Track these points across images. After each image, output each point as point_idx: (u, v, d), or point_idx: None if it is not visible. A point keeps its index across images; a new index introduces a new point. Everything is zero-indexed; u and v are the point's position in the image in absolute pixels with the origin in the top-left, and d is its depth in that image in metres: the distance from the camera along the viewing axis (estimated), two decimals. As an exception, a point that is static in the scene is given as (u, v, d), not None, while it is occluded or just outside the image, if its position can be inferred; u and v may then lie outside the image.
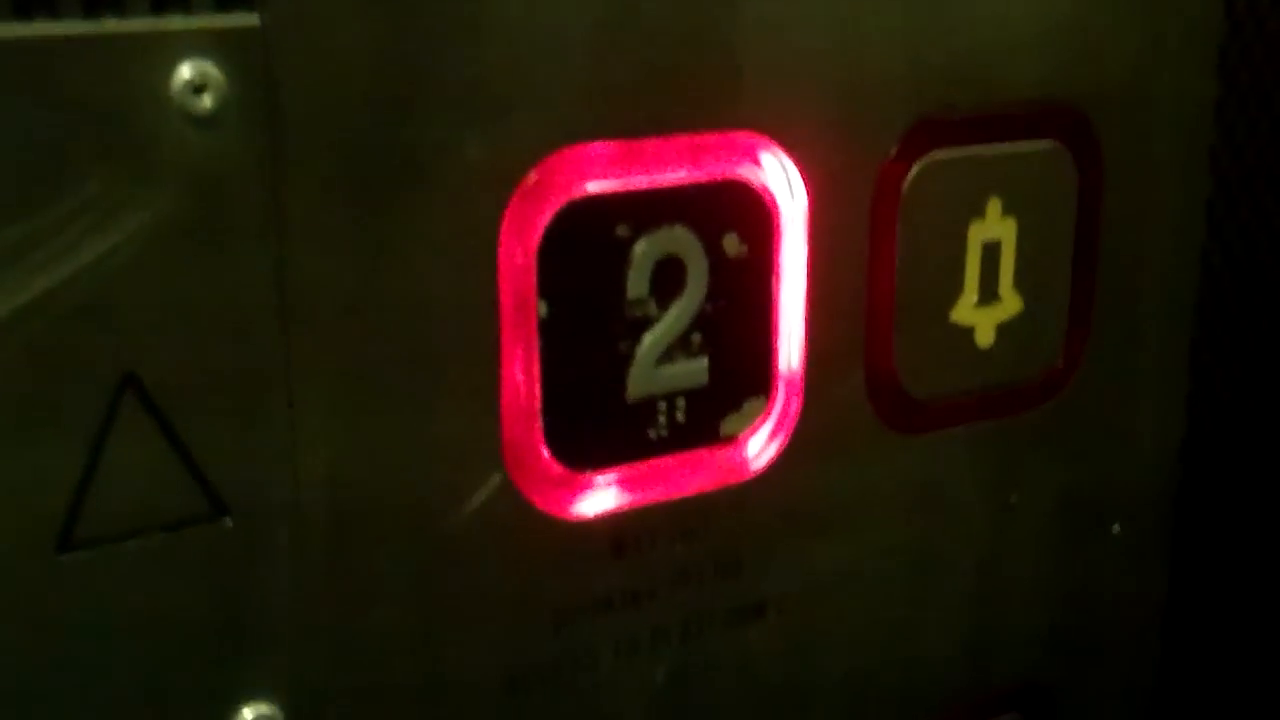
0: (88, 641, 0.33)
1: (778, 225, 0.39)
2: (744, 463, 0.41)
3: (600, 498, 0.39)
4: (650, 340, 0.38)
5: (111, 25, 0.30)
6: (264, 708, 0.35)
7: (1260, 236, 0.50)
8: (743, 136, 0.38)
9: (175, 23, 0.31)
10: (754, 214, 0.39)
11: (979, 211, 0.43)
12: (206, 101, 0.31)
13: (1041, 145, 0.44)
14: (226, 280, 0.32)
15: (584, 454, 0.38)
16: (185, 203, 0.31)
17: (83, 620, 0.32)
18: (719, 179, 0.38)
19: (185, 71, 0.31)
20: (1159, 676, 0.54)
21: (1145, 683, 0.54)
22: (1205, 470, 0.53)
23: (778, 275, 0.40)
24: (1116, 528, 0.50)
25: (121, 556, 0.33)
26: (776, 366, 0.41)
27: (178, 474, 0.33)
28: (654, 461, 0.40)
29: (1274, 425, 0.54)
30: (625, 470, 0.39)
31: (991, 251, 0.44)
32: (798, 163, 0.39)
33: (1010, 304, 0.44)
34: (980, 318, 0.44)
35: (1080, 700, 0.52)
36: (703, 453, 0.40)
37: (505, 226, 0.35)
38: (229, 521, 0.34)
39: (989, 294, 0.44)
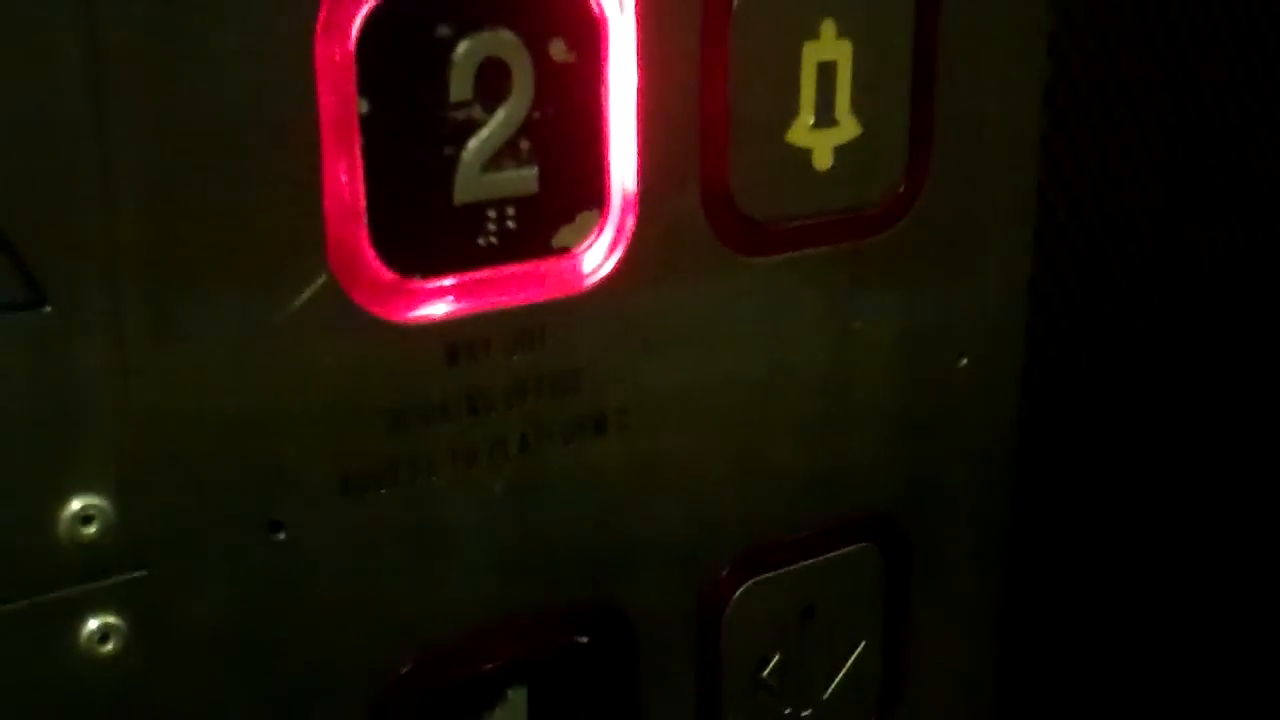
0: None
1: (605, 34, 0.40)
2: (580, 276, 0.42)
3: (431, 304, 0.40)
4: (476, 144, 0.39)
5: None
6: (92, 499, 0.36)
7: (1104, 72, 0.52)
8: (566, -57, 0.39)
9: None
10: (580, 21, 0.40)
11: (813, 32, 0.44)
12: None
13: (875, -33, 0.45)
14: (35, 69, 0.32)
15: (412, 259, 0.39)
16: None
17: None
18: (542, -18, 0.39)
19: None
20: (1011, 514, 0.55)
21: (997, 518, 0.55)
22: (1053, 311, 0.54)
23: (607, 86, 0.41)
24: (964, 360, 0.52)
25: (-62, 340, 0.33)
26: (609, 180, 0.42)
27: (-7, 260, 0.33)
28: (486, 269, 0.40)
29: (1122, 264, 0.55)
30: (456, 277, 0.40)
31: (827, 73, 0.44)
32: (623, -29, 0.40)
33: (848, 127, 0.45)
34: (817, 140, 0.45)
35: (932, 534, 0.53)
36: (536, 263, 0.41)
37: (321, 23, 0.36)
38: (48, 309, 0.34)
39: (826, 117, 0.45)
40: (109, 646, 0.37)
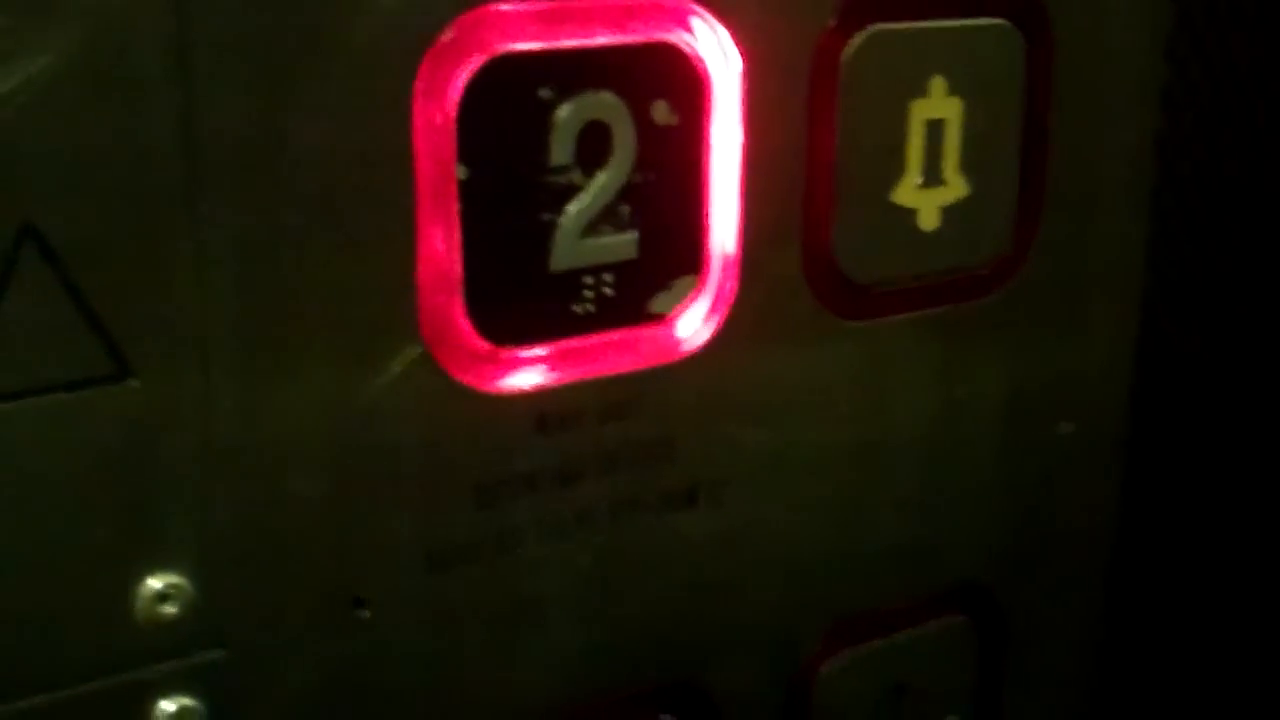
0: (-15, 504, 0.32)
1: (710, 94, 0.38)
2: (675, 343, 0.40)
3: (524, 373, 0.38)
4: (575, 210, 0.37)
5: None
6: (171, 577, 0.34)
7: (1218, 129, 0.49)
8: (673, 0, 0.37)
9: None
10: (685, 81, 0.38)
11: (922, 89, 0.42)
12: (105, -58, 0.30)
13: (989, 22, 0.42)
14: (130, 131, 0.31)
15: (507, 327, 0.37)
16: (88, 48, 0.30)
17: (-20, 481, 0.32)
18: (648, 42, 0.37)
19: (85, -89, 0.30)
20: (1108, 584, 0.53)
21: (1094, 591, 0.53)
22: (1162, 371, 0.52)
23: (710, 147, 0.39)
24: (1068, 427, 0.49)
25: (21, 415, 0.32)
26: (709, 243, 0.40)
27: (80, 332, 0.32)
28: (581, 337, 0.39)
29: (1231, 327, 0.53)
30: (550, 345, 0.38)
31: (935, 131, 0.42)
32: (731, 29, 0.38)
33: (955, 187, 0.43)
34: (923, 200, 0.43)
35: (1027, 605, 0.51)
36: (631, 330, 0.39)
37: (420, 85, 0.34)
38: (134, 383, 0.33)
39: (933, 176, 0.43)
40: (186, 730, 0.35)
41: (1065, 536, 0.51)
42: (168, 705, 0.35)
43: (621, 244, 0.38)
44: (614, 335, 0.39)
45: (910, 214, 0.43)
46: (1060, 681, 0.53)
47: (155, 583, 0.34)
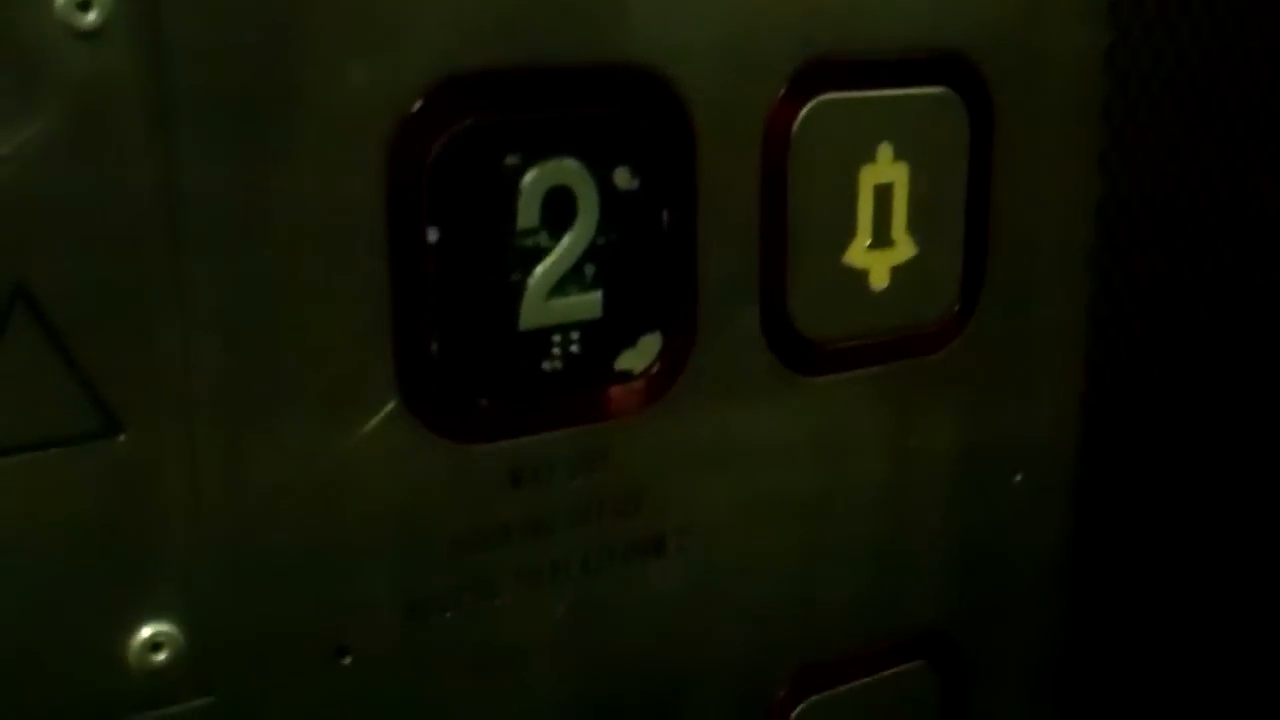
0: (-20, 556, 0.33)
1: (669, 161, 0.41)
2: (641, 398, 0.42)
3: (496, 428, 0.40)
4: (542, 271, 0.39)
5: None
6: (162, 626, 0.36)
7: (1154, 189, 0.52)
8: (633, 70, 0.39)
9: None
10: (645, 148, 0.40)
11: (870, 155, 0.44)
12: (90, 17, 0.32)
13: (931, 91, 0.45)
14: (114, 194, 0.33)
15: (479, 384, 0.39)
16: (71, 116, 0.32)
17: (-25, 533, 0.33)
18: (609, 112, 0.39)
19: (69, -13, 0.32)
20: (1064, 627, 0.55)
21: (1050, 633, 0.55)
22: (1107, 421, 0.54)
23: (669, 212, 0.41)
24: (1019, 477, 0.51)
25: (13, 471, 0.33)
26: (671, 303, 0.42)
27: (71, 389, 0.34)
28: (550, 393, 0.40)
29: (1172, 377, 0.55)
30: (521, 401, 0.40)
31: (883, 195, 0.45)
32: (687, 99, 0.40)
33: (904, 248, 0.46)
34: (873, 260, 0.45)
35: (986, 649, 0.53)
36: (598, 386, 0.41)
37: (393, 152, 0.36)
38: (123, 438, 0.34)
39: (882, 237, 0.45)
40: (174, 775, 0.37)
41: (1020, 581, 0.53)
42: (158, 751, 0.37)
43: (586, 303, 0.40)
44: (582, 391, 0.41)
45: (861, 274, 0.45)
46: (1021, 724, 0.54)
47: (146, 631, 0.36)
